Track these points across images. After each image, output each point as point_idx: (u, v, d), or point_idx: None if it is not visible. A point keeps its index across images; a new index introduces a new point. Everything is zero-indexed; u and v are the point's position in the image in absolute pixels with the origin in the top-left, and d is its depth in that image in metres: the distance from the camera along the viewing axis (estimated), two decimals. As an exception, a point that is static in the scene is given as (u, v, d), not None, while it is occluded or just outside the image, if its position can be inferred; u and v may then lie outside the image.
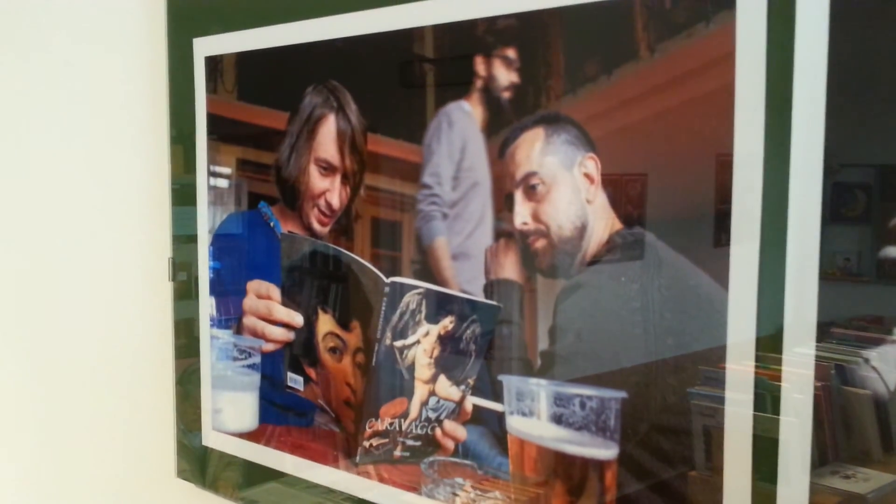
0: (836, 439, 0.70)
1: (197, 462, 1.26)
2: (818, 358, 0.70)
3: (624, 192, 0.82)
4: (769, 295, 0.73)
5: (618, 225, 0.82)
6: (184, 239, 1.26)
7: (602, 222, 0.83)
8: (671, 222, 0.79)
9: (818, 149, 0.70)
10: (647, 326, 0.81)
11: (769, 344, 0.73)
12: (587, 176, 0.84)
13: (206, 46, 1.19)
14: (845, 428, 0.70)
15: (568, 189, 0.85)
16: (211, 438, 1.23)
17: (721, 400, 0.76)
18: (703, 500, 0.77)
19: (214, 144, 1.18)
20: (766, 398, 0.73)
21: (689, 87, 0.77)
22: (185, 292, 1.27)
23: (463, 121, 0.93)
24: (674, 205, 0.79)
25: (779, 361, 0.72)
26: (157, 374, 1.33)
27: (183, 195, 1.24)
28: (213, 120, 1.18)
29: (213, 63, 1.17)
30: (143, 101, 1.31)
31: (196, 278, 1.24)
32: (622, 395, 0.83)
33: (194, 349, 1.24)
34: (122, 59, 1.32)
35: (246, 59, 1.14)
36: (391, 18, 0.97)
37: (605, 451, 0.85)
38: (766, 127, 0.73)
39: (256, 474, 1.17)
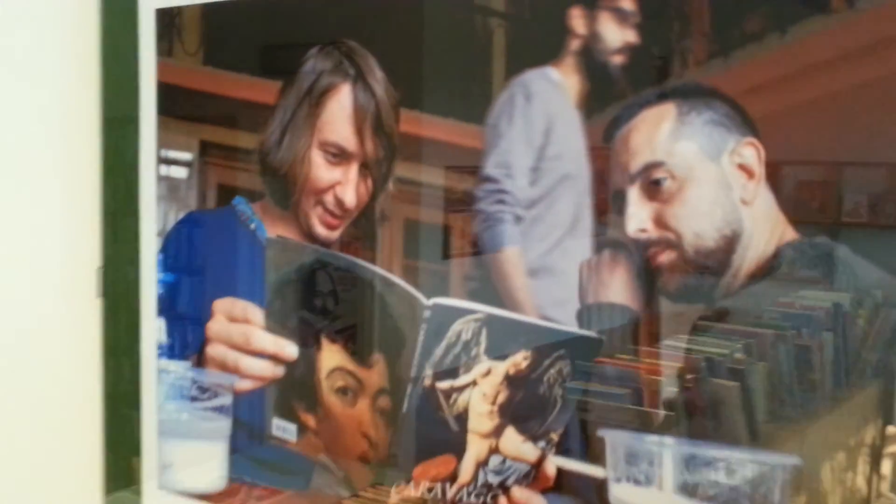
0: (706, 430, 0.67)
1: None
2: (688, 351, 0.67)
3: (801, 190, 0.61)
4: None
5: (790, 234, 0.61)
6: (121, 244, 0.98)
7: (765, 230, 0.63)
8: (875, 231, 0.59)
9: None
10: (838, 369, 0.60)
11: None
12: (743, 168, 0.63)
13: None
14: (715, 419, 0.67)
15: (712, 185, 0.65)
16: (156, 501, 0.96)
17: None
18: None
19: (169, 122, 0.93)
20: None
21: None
22: (121, 312, 0.99)
23: (548, 93, 0.71)
24: (879, 207, 0.58)
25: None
26: (79, 416, 1.04)
27: (120, 189, 0.97)
28: (167, 91, 0.93)
29: (168, 17, 0.91)
30: (66, 65, 1.01)
31: (137, 294, 0.96)
32: (794, 461, 0.62)
33: (133, 385, 0.97)
34: (38, 9, 1.02)
35: (216, 12, 0.88)
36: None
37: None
38: None
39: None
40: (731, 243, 0.65)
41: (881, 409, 0.69)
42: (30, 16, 0.99)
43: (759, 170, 0.63)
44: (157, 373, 0.98)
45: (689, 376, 0.68)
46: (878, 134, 0.59)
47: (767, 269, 0.64)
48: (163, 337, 0.98)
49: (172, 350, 0.97)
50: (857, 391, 0.68)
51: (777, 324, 0.66)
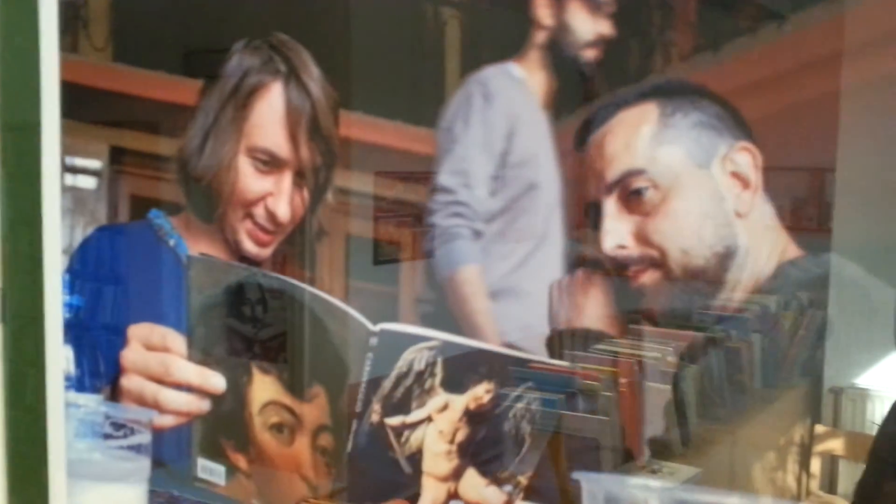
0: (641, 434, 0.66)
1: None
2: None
3: (807, 201, 0.55)
4: None
5: (793, 250, 0.55)
6: (21, 263, 0.88)
7: (764, 246, 0.56)
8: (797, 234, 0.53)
9: None
10: (767, 370, 0.58)
11: None
12: (737, 176, 0.56)
13: None
14: (650, 423, 0.65)
15: (701, 196, 0.58)
16: None
17: None
18: None
19: (74, 126, 0.83)
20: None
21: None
22: (22, 339, 0.89)
23: (510, 92, 0.64)
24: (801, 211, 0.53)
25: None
26: None
27: (18, 201, 0.87)
28: (71, 91, 0.83)
29: (72, 8, 0.82)
30: None
31: (41, 319, 0.86)
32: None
33: (37, 421, 0.87)
34: None
35: (127, 2, 0.78)
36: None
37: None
38: None
39: None
40: (724, 261, 0.58)
41: (809, 408, 0.68)
42: None
43: (756, 178, 0.57)
44: (64, 407, 0.88)
45: (623, 380, 0.64)
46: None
47: (769, 289, 0.58)
48: (71, 367, 0.88)
49: (82, 382, 0.88)
50: (785, 391, 0.67)
51: (707, 326, 0.63)
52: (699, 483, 0.67)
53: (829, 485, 0.70)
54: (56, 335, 0.88)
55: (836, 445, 0.70)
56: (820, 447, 0.73)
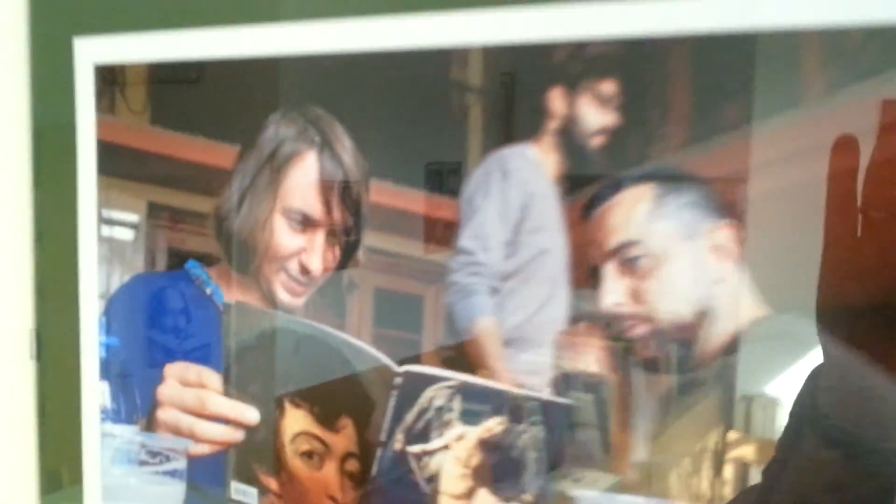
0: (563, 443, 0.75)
1: None
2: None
3: (774, 271, 0.66)
4: None
5: (763, 311, 0.66)
6: (58, 305, 0.95)
7: (737, 308, 0.67)
8: (845, 310, 0.64)
9: None
10: (685, 378, 0.68)
11: None
12: (718, 249, 0.67)
13: (95, 50, 0.91)
14: (571, 431, 0.73)
15: (688, 264, 0.68)
16: None
17: None
18: None
19: (112, 182, 0.90)
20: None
21: (882, 146, 0.62)
22: (59, 375, 0.96)
23: (526, 171, 0.74)
24: (853, 289, 0.64)
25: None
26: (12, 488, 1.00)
27: (57, 250, 0.94)
28: (109, 151, 0.91)
29: (110, 75, 0.89)
30: None
31: (77, 357, 0.94)
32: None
33: (74, 451, 0.95)
34: None
35: (165, 71, 0.86)
36: (418, 30, 0.75)
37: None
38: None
39: None
40: (703, 319, 0.69)
41: (723, 415, 0.74)
42: None
43: (734, 250, 0.68)
44: (100, 437, 0.95)
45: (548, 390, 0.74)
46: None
47: (740, 345, 0.69)
48: (106, 401, 0.95)
49: (118, 414, 0.94)
50: (701, 400, 0.74)
51: (626, 336, 0.72)
52: (619, 490, 0.73)
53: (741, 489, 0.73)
54: (92, 371, 0.95)
55: (746, 452, 0.73)
56: (732, 454, 0.77)
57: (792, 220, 0.66)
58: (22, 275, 0.98)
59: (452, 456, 0.78)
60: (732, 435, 0.70)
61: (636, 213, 0.71)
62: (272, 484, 0.86)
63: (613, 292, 0.72)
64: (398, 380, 0.79)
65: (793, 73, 0.64)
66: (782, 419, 0.68)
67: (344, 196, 0.82)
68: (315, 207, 0.83)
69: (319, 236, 0.83)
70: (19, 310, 0.99)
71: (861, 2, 0.61)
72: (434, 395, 0.78)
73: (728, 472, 0.70)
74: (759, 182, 0.66)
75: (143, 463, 0.93)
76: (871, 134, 0.62)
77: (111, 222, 0.93)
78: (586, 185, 0.72)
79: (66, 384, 0.97)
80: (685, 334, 0.70)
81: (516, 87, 0.74)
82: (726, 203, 0.68)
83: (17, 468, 1.01)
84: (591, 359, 0.73)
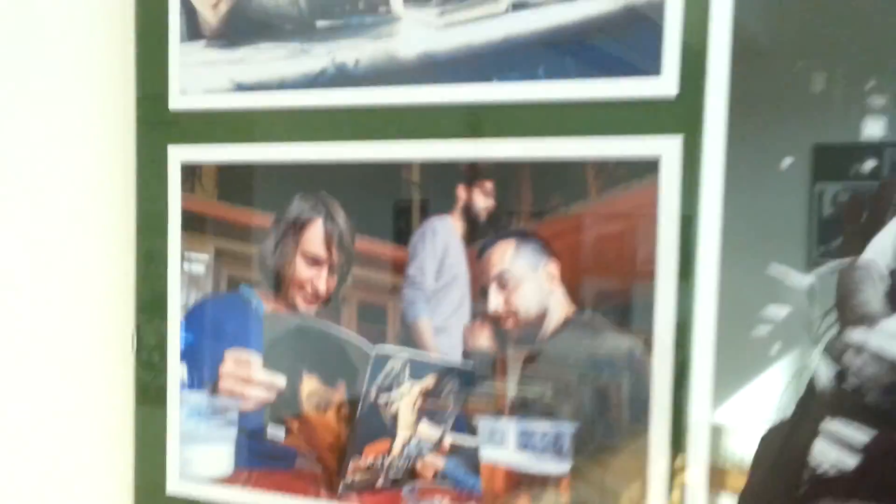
0: (468, 391, 1.25)
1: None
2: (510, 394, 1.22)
3: (579, 288, 1.20)
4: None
5: (572, 309, 1.20)
6: (152, 315, 1.47)
7: (560, 308, 1.20)
8: (614, 308, 1.18)
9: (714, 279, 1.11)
10: (635, 406, 1.18)
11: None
12: (548, 275, 1.21)
13: (182, 154, 1.38)
14: (473, 383, 1.27)
15: (533, 284, 1.22)
16: (177, 486, 1.43)
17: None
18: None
19: (191, 235, 1.41)
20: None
21: (626, 220, 1.16)
22: (151, 361, 1.47)
23: (445, 231, 1.27)
24: (614, 298, 1.18)
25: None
26: (111, 421, 1.49)
27: (152, 281, 1.45)
28: (189, 215, 1.39)
29: (191, 168, 1.41)
30: (106, 207, 1.39)
31: (165, 347, 1.45)
32: (574, 426, 1.20)
33: (161, 410, 1.45)
34: (88, 155, 1.47)
35: (228, 168, 1.39)
36: (384, 151, 1.29)
37: (560, 466, 1.21)
38: (679, 254, 1.13)
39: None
40: (543, 315, 1.23)
41: (671, 441, 1.04)
42: (88, 159, 1.44)
43: (557, 277, 1.22)
44: (179, 400, 1.47)
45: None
46: (615, 261, 1.19)
47: (561, 328, 1.21)
48: (185, 376, 1.46)
49: (192, 385, 1.44)
50: (652, 427, 1.04)
51: (582, 368, 1.12)
52: (499, 415, 1.14)
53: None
54: (175, 357, 1.47)
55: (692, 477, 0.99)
56: (678, 479, 1.04)
57: (584, 261, 1.20)
58: (127, 296, 1.51)
59: (405, 400, 1.31)
60: (679, 461, 1.03)
61: (506, 256, 1.24)
62: (294, 425, 1.37)
63: (494, 301, 1.25)
64: (372, 356, 1.31)
65: (581, 183, 1.19)
66: (726, 445, 1.01)
67: (339, 245, 1.35)
68: (321, 252, 1.35)
69: (324, 270, 1.35)
70: (125, 316, 1.50)
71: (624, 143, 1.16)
72: (394, 364, 1.31)
73: (676, 496, 1.03)
74: (568, 239, 1.21)
75: (208, 416, 1.43)
76: (625, 214, 1.17)
77: (190, 260, 1.45)
78: (478, 239, 1.26)
79: (157, 367, 1.47)
80: (534, 323, 1.23)
81: (439, 183, 1.28)
82: (552, 251, 1.22)
83: (120, 425, 1.52)
84: (483, 339, 1.27)
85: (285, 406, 1.31)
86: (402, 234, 1.24)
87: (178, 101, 1.32)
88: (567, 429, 1.17)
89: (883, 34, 1.04)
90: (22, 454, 1.39)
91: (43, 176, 1.34)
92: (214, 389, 1.34)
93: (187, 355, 1.35)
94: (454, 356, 1.21)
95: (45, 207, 1.38)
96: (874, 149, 1.03)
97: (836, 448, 0.93)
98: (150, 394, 1.43)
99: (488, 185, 1.20)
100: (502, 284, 1.20)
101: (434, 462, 1.20)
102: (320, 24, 1.26)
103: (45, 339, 1.38)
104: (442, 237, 1.23)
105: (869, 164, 1.04)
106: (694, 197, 1.01)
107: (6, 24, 1.30)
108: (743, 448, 1.00)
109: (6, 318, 1.40)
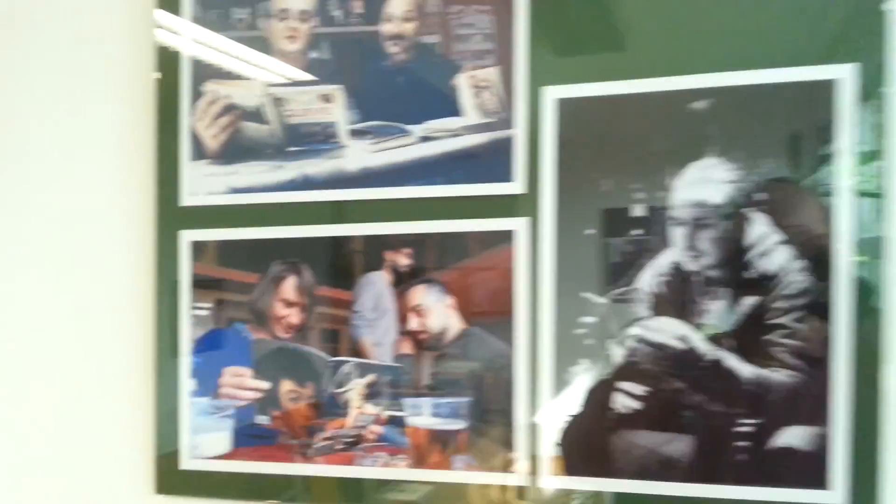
0: (399, 383, 1.78)
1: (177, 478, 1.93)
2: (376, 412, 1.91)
3: (467, 312, 1.94)
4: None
5: (464, 326, 1.93)
6: (169, 349, 2.01)
7: (456, 325, 1.93)
8: (490, 324, 1.92)
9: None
10: (478, 369, 1.91)
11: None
12: (447, 306, 1.93)
13: (191, 236, 1.74)
14: (401, 377, 1.79)
15: (438, 312, 1.94)
16: (188, 465, 1.75)
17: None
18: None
19: (198, 290, 1.93)
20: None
21: (495, 271, 1.91)
22: (166, 374, 2.05)
23: (379, 281, 1.95)
24: (490, 317, 1.92)
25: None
26: (140, 426, 2.05)
27: (168, 327, 1.87)
28: (197, 276, 1.81)
29: (199, 244, 1.90)
30: (133, 263, 1.80)
31: (177, 368, 2.03)
32: (469, 398, 1.92)
33: (173, 412, 1.97)
34: (124, 241, 1.92)
35: (225, 243, 2.03)
36: (337, 230, 1.99)
37: (460, 424, 1.92)
38: (529, 290, 1.88)
39: (235, 480, 1.86)
40: (445, 331, 1.94)
41: (529, 407, 1.59)
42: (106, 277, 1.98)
43: (454, 306, 1.95)
44: (190, 404, 2.05)
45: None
46: (491, 295, 1.93)
47: (458, 338, 1.94)
48: (193, 387, 1.98)
49: (199, 392, 1.82)
50: (514, 399, 1.59)
51: (471, 364, 1.70)
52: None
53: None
54: (186, 374, 2.08)
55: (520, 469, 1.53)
56: (513, 470, 1.58)
57: (471, 296, 1.94)
58: (147, 335, 2.10)
59: (355, 392, 1.99)
60: (512, 457, 1.66)
61: (420, 294, 1.95)
62: (276, 414, 2.01)
63: (413, 323, 1.96)
64: (331, 363, 2.00)
65: (467, 248, 1.94)
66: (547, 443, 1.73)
67: (306, 293, 2.02)
68: (294, 298, 2.01)
69: (296, 309, 2.01)
70: (145, 348, 2.08)
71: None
72: (347, 368, 1.99)
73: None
74: (460, 283, 1.95)
75: (211, 413, 2.04)
76: (495, 267, 1.92)
77: (197, 308, 2.08)
78: (401, 285, 1.97)
79: (171, 380, 2.08)
80: (439, 336, 1.94)
81: (374, 250, 1.98)
82: (453, 290, 1.94)
83: (143, 423, 2.08)
84: (406, 348, 1.98)
85: (269, 402, 1.71)
86: (349, 283, 1.69)
87: (188, 200, 1.73)
88: (463, 402, 1.82)
89: (644, 157, 1.82)
90: (68, 478, 1.90)
91: (86, 253, 1.85)
92: (216, 395, 1.76)
93: (195, 372, 1.77)
94: (387, 360, 1.66)
95: (86, 277, 1.88)
96: (638, 220, 1.81)
97: (626, 397, 1.50)
98: (165, 402, 1.88)
99: (407, 250, 1.85)
100: (418, 313, 1.71)
101: (375, 430, 1.62)
102: (291, 149, 1.91)
103: (88, 370, 1.86)
104: (376, 285, 1.77)
105: (636, 230, 1.83)
106: (537, 254, 1.63)
107: (63, 148, 1.88)
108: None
109: (49, 371, 1.93)
